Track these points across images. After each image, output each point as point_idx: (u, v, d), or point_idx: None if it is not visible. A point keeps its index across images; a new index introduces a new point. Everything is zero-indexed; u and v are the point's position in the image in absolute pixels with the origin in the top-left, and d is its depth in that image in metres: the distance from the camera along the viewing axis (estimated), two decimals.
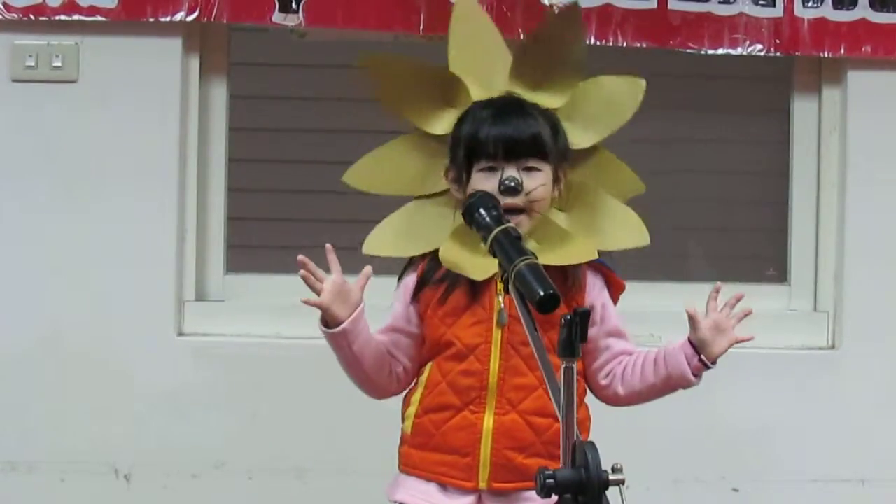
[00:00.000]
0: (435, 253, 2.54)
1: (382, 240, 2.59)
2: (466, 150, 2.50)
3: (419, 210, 2.59)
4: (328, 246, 2.50)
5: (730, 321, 2.53)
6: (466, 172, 2.51)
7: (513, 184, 2.46)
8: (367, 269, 2.51)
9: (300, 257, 2.47)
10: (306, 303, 2.46)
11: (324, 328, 2.48)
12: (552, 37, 2.57)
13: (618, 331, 2.61)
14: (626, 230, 2.58)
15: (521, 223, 2.45)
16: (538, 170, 2.50)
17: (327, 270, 2.50)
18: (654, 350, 2.58)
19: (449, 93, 2.56)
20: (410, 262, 2.60)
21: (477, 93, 2.56)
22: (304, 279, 2.47)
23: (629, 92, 2.61)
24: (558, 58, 2.56)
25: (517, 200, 2.46)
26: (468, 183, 2.50)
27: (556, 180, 2.54)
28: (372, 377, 2.54)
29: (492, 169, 2.48)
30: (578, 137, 2.58)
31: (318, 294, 2.46)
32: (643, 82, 2.62)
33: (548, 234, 2.52)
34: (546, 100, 2.56)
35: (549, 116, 2.54)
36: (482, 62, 2.58)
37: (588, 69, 2.60)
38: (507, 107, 2.53)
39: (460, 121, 2.55)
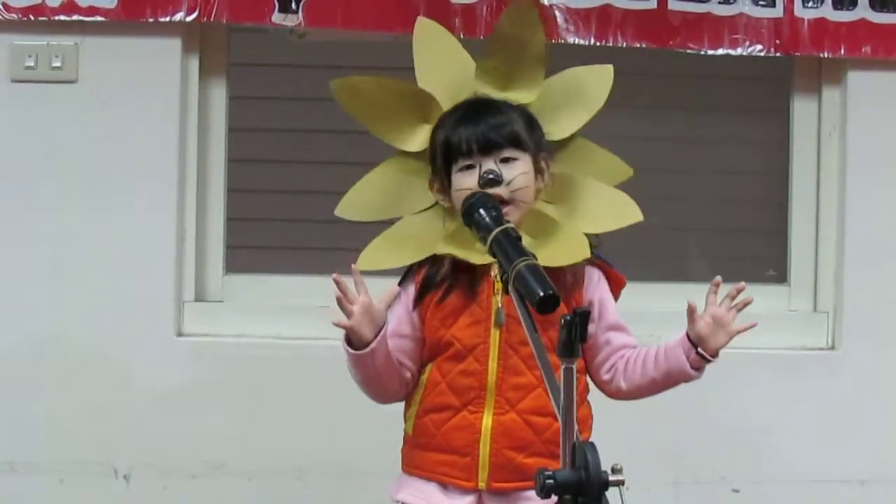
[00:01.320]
0: (432, 259, 2.55)
1: (376, 255, 2.59)
2: (443, 155, 2.53)
3: (410, 225, 2.61)
4: (355, 267, 2.49)
5: (729, 314, 2.53)
6: (447, 176, 2.52)
7: (492, 175, 2.47)
8: (394, 286, 2.52)
9: (335, 276, 2.45)
10: (338, 325, 2.45)
11: (349, 349, 2.48)
12: (509, 34, 2.59)
13: (618, 325, 2.62)
14: (616, 209, 2.59)
15: (509, 214, 2.46)
16: (515, 159, 2.51)
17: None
18: (655, 346, 2.59)
19: (421, 109, 2.58)
20: (409, 272, 2.60)
21: (447, 104, 2.58)
22: (338, 301, 2.45)
23: (597, 80, 2.63)
24: (519, 54, 2.58)
25: (500, 191, 2.47)
26: (451, 186, 2.51)
27: (538, 171, 2.55)
28: (388, 388, 2.56)
29: (470, 167, 2.50)
30: (554, 129, 2.60)
31: (348, 315, 2.45)
32: (610, 68, 2.64)
33: (539, 226, 2.53)
34: (515, 96, 2.58)
35: (522, 111, 2.57)
36: (449, 75, 2.60)
37: (551, 62, 2.61)
38: (474, 105, 2.56)
39: (434, 132, 2.57)
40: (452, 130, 2.52)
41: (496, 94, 2.57)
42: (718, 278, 2.57)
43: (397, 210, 2.62)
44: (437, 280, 2.54)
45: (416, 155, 2.60)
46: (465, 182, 2.48)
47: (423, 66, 2.62)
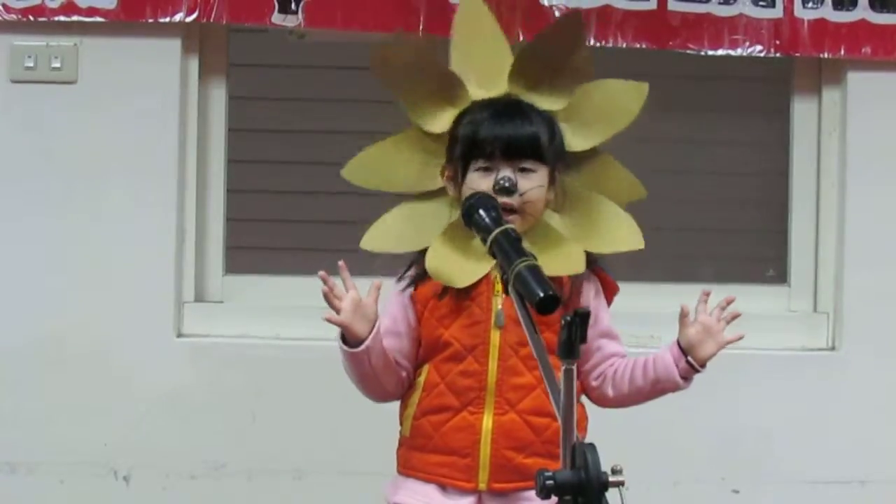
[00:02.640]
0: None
1: (380, 236, 2.58)
2: (463, 149, 2.51)
3: (415, 208, 2.59)
4: (341, 263, 2.49)
5: (720, 324, 2.53)
6: (462, 171, 2.51)
7: (507, 184, 2.46)
8: (378, 282, 2.51)
9: (321, 273, 2.46)
10: (329, 321, 2.45)
11: (344, 347, 2.48)
12: (553, 42, 2.57)
13: (610, 332, 2.62)
14: (620, 233, 2.58)
15: (514, 223, 2.44)
16: (533, 171, 2.50)
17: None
18: (644, 357, 2.58)
19: (449, 91, 2.56)
20: (407, 269, 2.59)
21: (476, 92, 2.56)
22: (325, 296, 2.45)
23: (631, 96, 2.60)
24: (559, 63, 2.55)
25: (511, 200, 2.47)
26: (464, 182, 2.50)
27: (551, 182, 2.54)
28: (385, 387, 2.55)
29: (487, 169, 2.49)
30: (577, 140, 2.58)
31: (337, 311, 2.45)
32: (646, 86, 2.61)
33: (541, 236, 2.52)
34: (545, 102, 2.56)
35: (547, 118, 2.55)
36: (483, 62, 2.58)
37: (591, 74, 2.59)
38: (505, 108, 2.53)
39: (458, 120, 2.55)
40: (479, 128, 2.50)
41: (526, 96, 2.55)
42: (708, 289, 2.57)
43: (402, 183, 2.59)
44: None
45: (433, 135, 2.57)
46: (480, 184, 2.47)
47: (460, 46, 2.59)
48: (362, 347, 2.46)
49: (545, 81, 2.55)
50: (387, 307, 2.55)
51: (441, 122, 2.57)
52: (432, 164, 2.58)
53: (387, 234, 2.59)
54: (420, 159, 2.59)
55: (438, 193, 2.58)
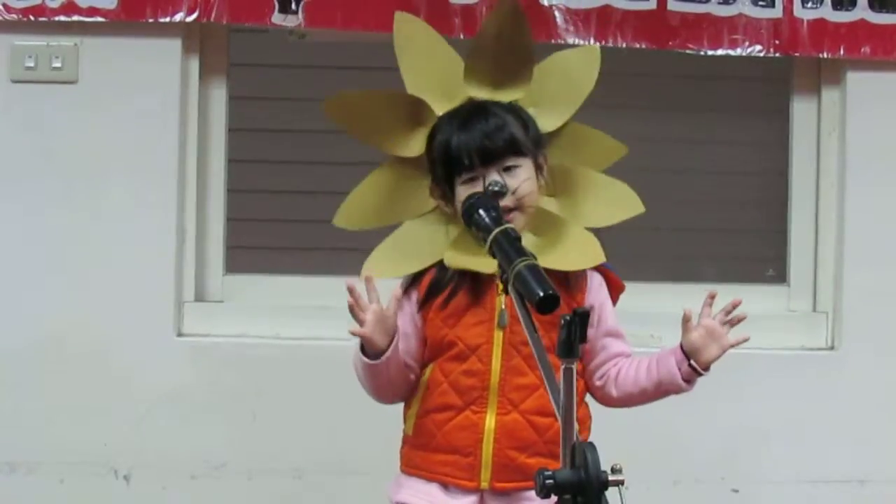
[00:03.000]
0: (437, 264, 2.54)
1: (381, 264, 2.57)
2: (444, 167, 2.52)
3: (412, 231, 2.60)
4: (368, 275, 2.49)
5: (724, 328, 2.53)
6: (450, 187, 2.52)
7: (497, 188, 2.47)
8: (398, 291, 2.51)
9: (349, 283, 2.46)
10: (353, 333, 2.45)
11: (364, 358, 2.48)
12: (495, 34, 2.57)
13: (615, 331, 2.62)
14: (618, 202, 2.59)
15: (516, 220, 2.46)
16: (518, 167, 2.51)
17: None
18: (648, 356, 2.58)
19: (413, 114, 2.56)
20: (414, 279, 2.59)
21: (439, 107, 2.57)
22: (350, 308, 2.45)
23: (585, 61, 2.62)
24: (506, 53, 2.56)
25: (506, 202, 2.47)
26: (454, 197, 2.51)
27: (538, 169, 2.54)
28: (396, 393, 2.57)
29: (473, 179, 2.50)
30: (547, 121, 2.59)
31: (361, 324, 2.45)
32: (597, 48, 2.65)
33: (543, 224, 2.53)
34: (508, 94, 2.57)
35: (515, 110, 2.55)
36: (436, 75, 2.58)
37: (538, 55, 2.60)
38: (471, 114, 2.53)
39: (431, 138, 2.56)
40: (451, 141, 2.51)
41: (487, 95, 2.56)
42: (714, 291, 2.57)
43: (396, 215, 2.61)
44: (444, 284, 2.54)
45: (409, 159, 2.59)
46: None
47: (408, 66, 2.59)
48: (382, 360, 2.47)
49: (500, 75, 2.56)
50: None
51: (415, 144, 2.58)
52: (418, 187, 2.59)
53: (388, 260, 2.58)
54: (405, 187, 2.59)
55: (431, 213, 2.59)
